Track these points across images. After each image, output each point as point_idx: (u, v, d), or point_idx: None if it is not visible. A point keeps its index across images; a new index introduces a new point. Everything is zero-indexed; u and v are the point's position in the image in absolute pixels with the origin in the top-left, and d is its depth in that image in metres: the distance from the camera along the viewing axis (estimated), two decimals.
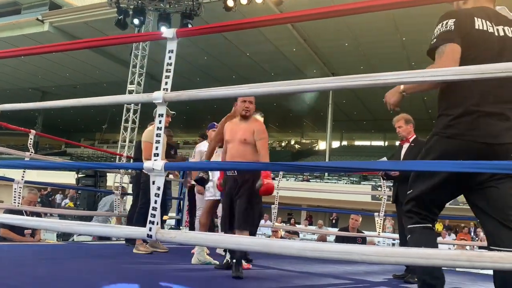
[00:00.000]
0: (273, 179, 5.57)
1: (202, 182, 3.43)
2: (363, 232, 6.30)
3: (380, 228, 5.59)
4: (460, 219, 12.20)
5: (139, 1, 11.73)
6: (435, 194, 1.74)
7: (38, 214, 5.42)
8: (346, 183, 20.32)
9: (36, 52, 2.53)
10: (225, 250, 3.53)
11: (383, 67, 15.86)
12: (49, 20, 17.22)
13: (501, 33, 1.70)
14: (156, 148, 1.78)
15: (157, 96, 1.80)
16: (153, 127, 3.42)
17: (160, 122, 1.80)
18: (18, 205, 4.58)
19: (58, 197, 15.75)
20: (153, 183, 1.74)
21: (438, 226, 13.11)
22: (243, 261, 3.14)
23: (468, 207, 1.76)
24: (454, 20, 1.69)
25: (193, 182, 4.83)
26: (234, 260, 2.93)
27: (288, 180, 19.83)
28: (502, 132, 1.63)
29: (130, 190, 6.35)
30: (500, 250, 1.54)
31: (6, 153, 5.05)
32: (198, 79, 20.86)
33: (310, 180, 20.44)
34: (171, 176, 5.71)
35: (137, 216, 4.04)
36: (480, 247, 5.79)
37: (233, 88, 1.78)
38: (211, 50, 17.96)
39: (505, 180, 1.63)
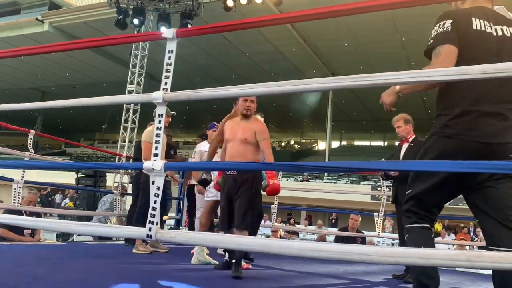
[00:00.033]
0: None
1: (205, 183, 3.43)
2: (362, 232, 6.30)
3: (379, 228, 5.59)
4: (459, 219, 12.19)
5: (139, 1, 11.73)
6: (434, 194, 1.74)
7: (37, 214, 5.42)
8: (345, 183, 20.33)
9: (36, 52, 2.53)
10: (224, 250, 3.53)
11: (382, 67, 15.87)
12: (49, 20, 17.22)
13: (499, 33, 1.70)
14: (156, 148, 1.78)
15: (156, 96, 1.80)
16: (152, 127, 3.42)
17: (159, 122, 1.80)
18: (17, 205, 4.58)
19: (58, 197, 15.75)
20: (153, 183, 1.74)
21: (438, 226, 13.12)
22: (242, 261, 3.14)
23: (468, 207, 1.76)
24: (451, 21, 1.69)
25: (192, 182, 4.83)
26: (234, 261, 2.93)
27: (287, 180, 19.86)
28: (501, 132, 1.63)
29: (130, 190, 6.35)
30: (500, 250, 1.55)
31: (6, 153, 5.05)
32: (197, 79, 20.86)
33: (310, 180, 20.45)
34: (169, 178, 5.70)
35: (137, 216, 4.04)
36: (479, 247, 5.79)
37: (233, 88, 1.77)
38: (210, 50, 17.96)
39: (504, 180, 1.63)
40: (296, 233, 11.42)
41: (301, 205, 18.26)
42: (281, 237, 10.36)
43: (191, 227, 5.19)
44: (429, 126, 1.84)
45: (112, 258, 3.81)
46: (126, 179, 6.88)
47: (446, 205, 1.82)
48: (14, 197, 4.57)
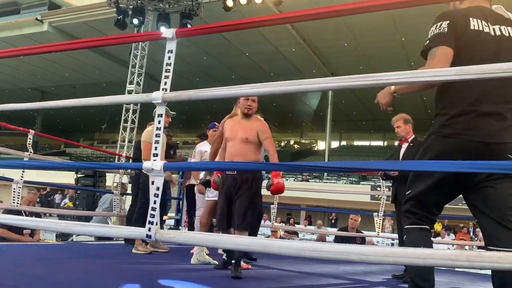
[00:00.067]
0: None
1: (209, 185, 3.42)
2: (362, 232, 6.30)
3: (379, 228, 5.59)
4: (459, 219, 12.20)
5: (139, 1, 11.73)
6: (433, 194, 1.74)
7: (37, 214, 5.41)
8: (345, 183, 20.35)
9: (35, 52, 2.53)
10: (224, 250, 3.53)
11: (382, 67, 15.89)
12: (48, 20, 17.22)
13: (498, 33, 1.70)
14: (156, 148, 1.78)
15: (156, 96, 1.80)
16: (152, 127, 3.41)
17: (159, 122, 1.79)
18: (17, 205, 4.58)
19: (57, 197, 15.74)
20: (152, 183, 1.74)
21: (437, 226, 13.13)
22: (242, 262, 3.14)
23: (467, 207, 1.76)
24: (448, 21, 1.69)
25: (192, 182, 4.83)
26: (233, 261, 2.93)
27: (287, 180, 19.83)
28: (499, 131, 1.63)
29: (129, 190, 6.35)
30: (499, 250, 1.55)
31: (5, 153, 5.04)
32: (197, 79, 20.86)
33: (309, 180, 20.46)
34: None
35: (136, 216, 4.03)
36: (479, 247, 5.80)
37: (234, 88, 1.77)
38: (210, 50, 17.96)
39: (503, 180, 1.63)
40: (295, 233, 11.42)
41: (301, 205, 18.27)
42: (280, 237, 10.36)
43: (191, 227, 5.19)
44: (428, 126, 1.83)
45: (111, 258, 3.81)
46: (125, 179, 6.88)
47: (446, 205, 1.82)
48: (14, 197, 4.57)
